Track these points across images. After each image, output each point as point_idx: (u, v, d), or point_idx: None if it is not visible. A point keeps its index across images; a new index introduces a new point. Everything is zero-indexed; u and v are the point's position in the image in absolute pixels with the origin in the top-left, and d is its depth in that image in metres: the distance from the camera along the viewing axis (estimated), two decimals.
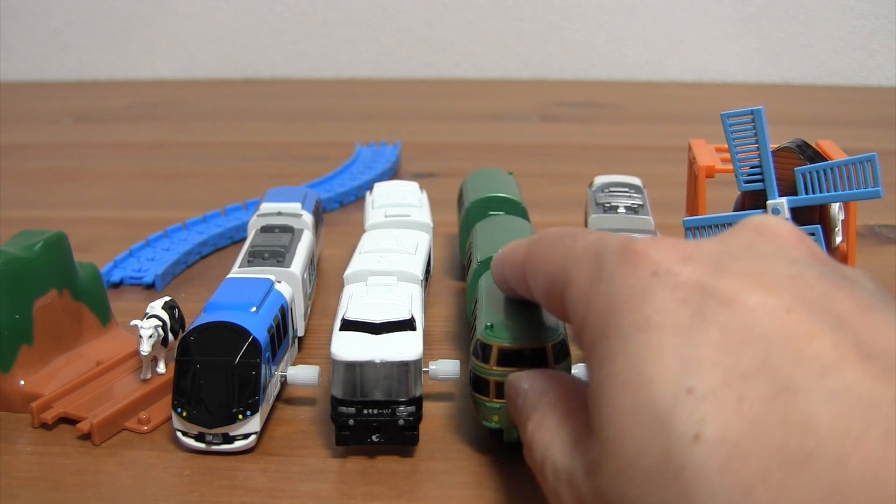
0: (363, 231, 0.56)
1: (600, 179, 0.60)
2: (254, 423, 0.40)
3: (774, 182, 0.45)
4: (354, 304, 0.43)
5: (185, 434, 0.41)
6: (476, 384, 0.40)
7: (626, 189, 0.58)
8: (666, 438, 0.24)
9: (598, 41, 1.33)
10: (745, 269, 0.27)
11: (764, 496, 0.22)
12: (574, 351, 0.41)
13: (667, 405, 0.24)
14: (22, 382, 0.45)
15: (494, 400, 0.39)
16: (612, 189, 0.58)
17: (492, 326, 0.40)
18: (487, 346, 0.39)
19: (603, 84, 1.30)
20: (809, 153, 0.47)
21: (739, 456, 0.23)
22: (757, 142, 0.45)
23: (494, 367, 0.39)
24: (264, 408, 0.41)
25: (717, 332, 0.25)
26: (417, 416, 0.40)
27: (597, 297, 0.29)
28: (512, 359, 0.39)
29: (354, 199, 0.78)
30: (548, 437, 0.31)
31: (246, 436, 0.41)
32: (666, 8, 1.30)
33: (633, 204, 0.55)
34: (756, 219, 0.30)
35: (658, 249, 0.28)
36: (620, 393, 0.26)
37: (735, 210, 0.48)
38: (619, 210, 0.54)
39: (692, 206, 0.54)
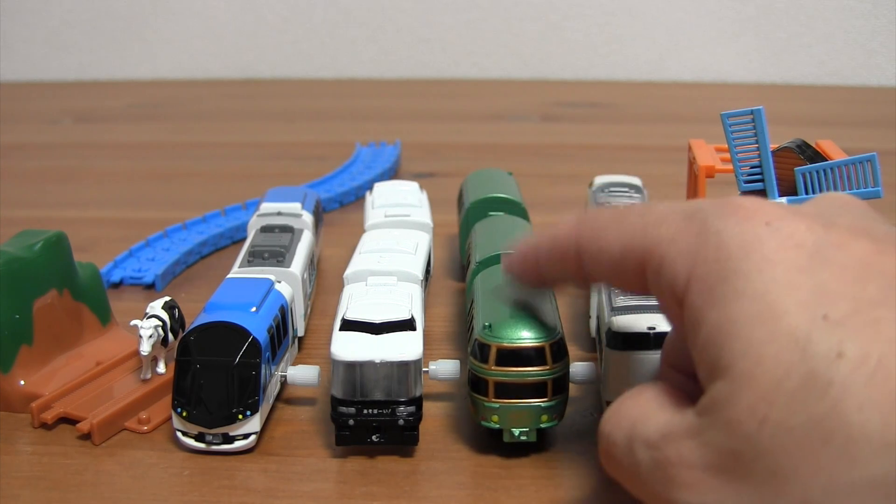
0: (363, 231, 0.56)
1: (600, 179, 0.60)
2: (254, 423, 0.40)
3: (774, 182, 0.45)
4: (354, 304, 0.43)
5: (185, 434, 0.41)
6: (474, 384, 0.40)
7: (626, 189, 0.58)
8: (810, 360, 0.25)
9: (598, 41, 1.33)
10: (850, 224, 0.29)
11: None
12: (572, 351, 0.41)
13: (805, 331, 0.26)
14: (22, 382, 0.45)
15: (493, 400, 0.39)
16: (612, 189, 0.58)
17: (490, 326, 0.40)
18: (486, 346, 0.39)
19: (603, 84, 1.30)
20: (809, 153, 0.47)
21: (884, 370, 0.24)
22: (757, 142, 0.45)
23: (493, 367, 0.39)
24: (264, 408, 0.41)
25: (839, 268, 0.27)
26: (417, 416, 0.40)
27: (706, 248, 0.29)
28: (510, 359, 0.39)
29: (354, 199, 0.78)
30: (639, 410, 0.30)
31: (246, 436, 0.41)
32: (666, 8, 1.30)
33: (633, 204, 0.55)
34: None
35: (764, 205, 0.29)
36: (753, 326, 0.26)
37: None
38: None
39: None
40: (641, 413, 0.30)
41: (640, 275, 0.32)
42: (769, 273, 0.27)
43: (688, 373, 0.32)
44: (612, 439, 0.31)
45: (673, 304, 0.30)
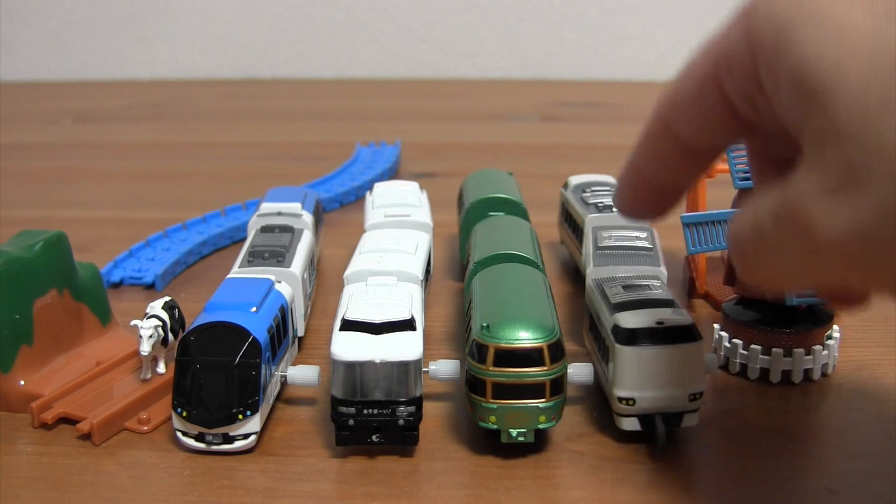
0: (363, 231, 0.56)
1: (575, 179, 0.61)
2: (254, 423, 0.41)
3: None
4: (354, 304, 0.43)
5: (185, 434, 0.41)
6: (472, 385, 0.40)
7: (609, 188, 0.58)
8: (886, 44, 0.25)
9: (598, 41, 1.33)
10: None
11: None
12: (570, 348, 0.41)
13: (873, 27, 0.25)
14: (22, 382, 0.45)
15: (491, 400, 0.39)
16: (594, 188, 0.58)
17: (488, 327, 0.40)
18: (483, 346, 0.39)
19: (603, 84, 1.30)
20: None
21: None
22: None
23: (491, 368, 0.39)
24: (264, 408, 0.41)
25: None
26: (417, 416, 0.40)
27: (759, 24, 0.29)
28: (508, 359, 0.39)
29: (354, 199, 0.78)
30: (753, 202, 0.30)
31: (246, 436, 0.41)
32: (666, 8, 1.30)
33: None
34: None
35: None
36: (824, 47, 0.26)
37: (733, 208, 0.48)
38: (614, 209, 0.54)
39: (692, 205, 0.54)
40: (755, 204, 0.29)
41: (723, 95, 0.31)
42: (820, 4, 0.27)
43: (780, 156, 0.32)
44: (741, 238, 0.30)
45: (755, 92, 0.30)
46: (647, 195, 0.37)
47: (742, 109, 0.31)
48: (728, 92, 0.31)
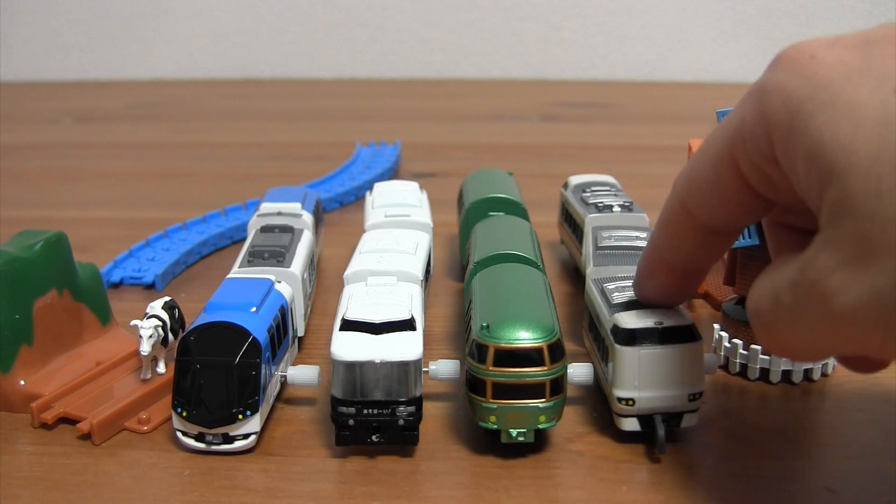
0: (363, 231, 0.56)
1: (575, 179, 0.61)
2: (254, 423, 0.41)
3: None
4: (354, 304, 0.43)
5: (185, 434, 0.41)
6: (472, 385, 0.40)
7: (608, 188, 0.58)
8: None
9: (598, 41, 1.33)
10: (886, 29, 0.30)
11: None
12: (570, 348, 0.41)
13: (883, 108, 0.27)
14: (22, 382, 0.45)
15: (491, 400, 0.39)
16: (595, 188, 0.58)
17: (488, 327, 0.40)
18: (483, 346, 0.39)
19: (603, 84, 1.30)
20: None
21: None
22: None
23: (491, 368, 0.39)
24: (264, 408, 0.41)
25: (890, 53, 0.28)
26: (417, 416, 0.40)
27: (770, 103, 0.30)
28: (508, 359, 0.39)
29: (354, 199, 0.78)
30: (770, 275, 0.31)
31: (246, 436, 0.41)
32: (666, 8, 1.30)
33: (624, 202, 0.55)
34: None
35: (805, 42, 0.31)
36: (837, 128, 0.27)
37: None
38: (614, 209, 0.54)
39: None
40: (773, 276, 0.31)
41: (738, 172, 0.32)
42: (829, 85, 0.28)
43: (794, 226, 0.34)
44: (760, 309, 0.31)
45: (771, 168, 0.31)
46: (668, 280, 0.38)
47: (757, 185, 0.32)
48: (743, 168, 0.32)
